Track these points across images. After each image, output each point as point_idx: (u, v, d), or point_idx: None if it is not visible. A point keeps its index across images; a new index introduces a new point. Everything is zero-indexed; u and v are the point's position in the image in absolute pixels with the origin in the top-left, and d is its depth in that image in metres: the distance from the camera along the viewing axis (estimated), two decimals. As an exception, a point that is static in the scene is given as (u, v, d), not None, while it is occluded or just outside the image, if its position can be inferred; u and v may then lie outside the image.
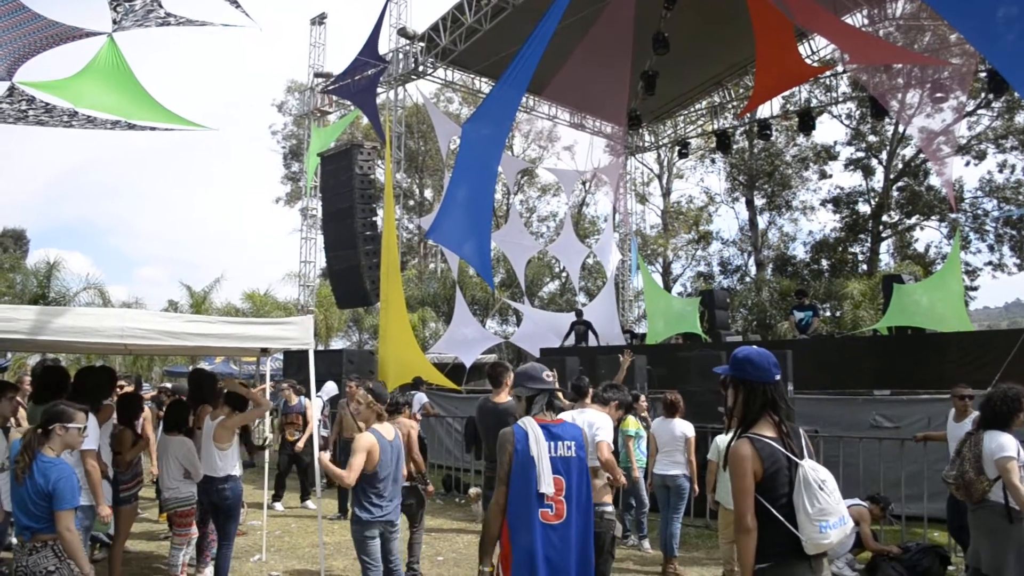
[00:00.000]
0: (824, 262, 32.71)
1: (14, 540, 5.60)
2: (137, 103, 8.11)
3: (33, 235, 54.07)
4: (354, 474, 4.90)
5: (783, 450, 3.06)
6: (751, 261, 34.91)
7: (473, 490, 10.31)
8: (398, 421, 6.78)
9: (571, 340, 17.02)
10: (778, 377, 3.20)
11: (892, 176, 30.07)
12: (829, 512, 2.95)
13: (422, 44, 20.40)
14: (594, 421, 5.09)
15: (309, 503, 10.50)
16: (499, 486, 3.61)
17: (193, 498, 6.18)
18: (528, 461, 3.54)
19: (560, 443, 3.63)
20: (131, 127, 8.59)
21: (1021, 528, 4.80)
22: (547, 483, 3.53)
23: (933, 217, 30.26)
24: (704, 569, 7.31)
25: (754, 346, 3.38)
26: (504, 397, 6.12)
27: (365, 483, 5.02)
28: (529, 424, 3.64)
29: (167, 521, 6.89)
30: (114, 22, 7.64)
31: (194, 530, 6.32)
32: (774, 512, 2.99)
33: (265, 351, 7.07)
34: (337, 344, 29.30)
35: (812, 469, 3.02)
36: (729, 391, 3.29)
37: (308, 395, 9.27)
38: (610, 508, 4.90)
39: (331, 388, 12.06)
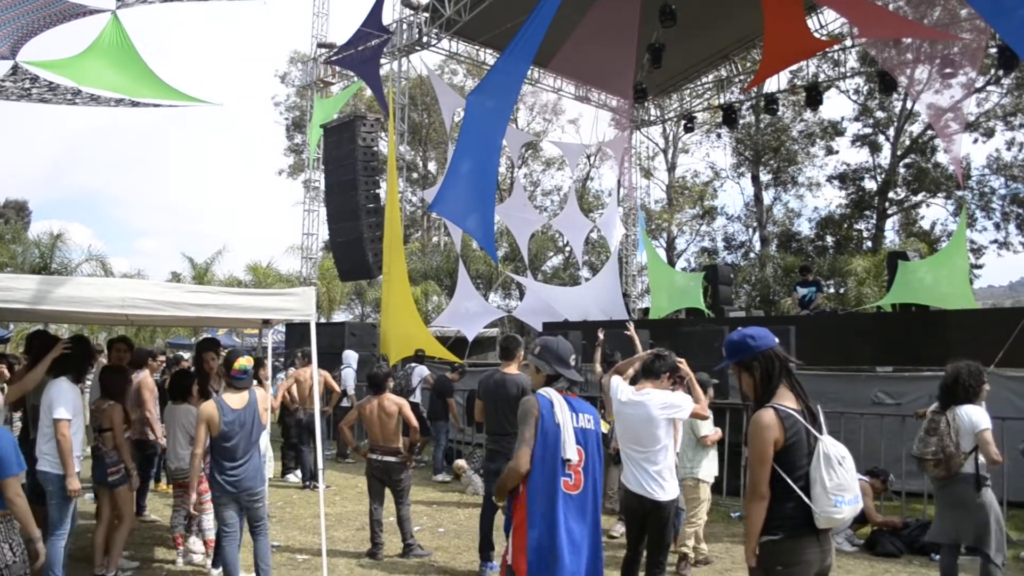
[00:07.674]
0: (829, 238, 32.61)
1: None
2: (140, 81, 8.06)
3: (35, 206, 54.00)
4: (199, 446, 5.17)
5: (804, 423, 3.08)
6: (756, 237, 34.84)
7: (459, 462, 10.39)
8: (385, 397, 6.76)
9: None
10: (777, 340, 3.26)
11: (899, 153, 29.82)
12: (846, 488, 3.00)
13: (426, 14, 20.14)
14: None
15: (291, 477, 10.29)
16: (522, 447, 3.54)
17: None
18: (553, 428, 3.56)
19: (580, 415, 3.65)
20: (135, 104, 8.55)
21: (990, 494, 5.04)
22: (572, 450, 3.55)
23: (939, 194, 30.08)
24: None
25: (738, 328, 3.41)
26: (514, 369, 6.02)
27: (214, 451, 5.22)
28: (552, 394, 3.66)
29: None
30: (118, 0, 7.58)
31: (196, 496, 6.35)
32: (791, 484, 3.02)
33: (267, 322, 7.06)
34: (339, 317, 29.31)
35: (832, 445, 3.05)
36: (743, 377, 3.27)
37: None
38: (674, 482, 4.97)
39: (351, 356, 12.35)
